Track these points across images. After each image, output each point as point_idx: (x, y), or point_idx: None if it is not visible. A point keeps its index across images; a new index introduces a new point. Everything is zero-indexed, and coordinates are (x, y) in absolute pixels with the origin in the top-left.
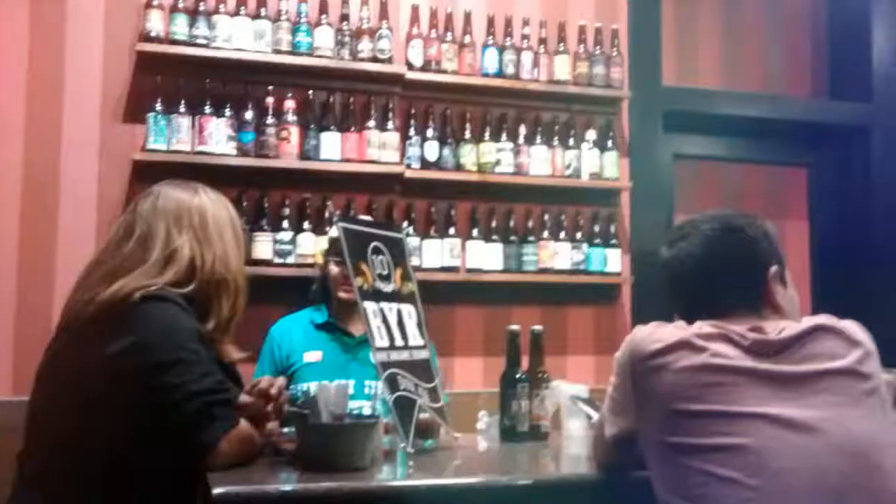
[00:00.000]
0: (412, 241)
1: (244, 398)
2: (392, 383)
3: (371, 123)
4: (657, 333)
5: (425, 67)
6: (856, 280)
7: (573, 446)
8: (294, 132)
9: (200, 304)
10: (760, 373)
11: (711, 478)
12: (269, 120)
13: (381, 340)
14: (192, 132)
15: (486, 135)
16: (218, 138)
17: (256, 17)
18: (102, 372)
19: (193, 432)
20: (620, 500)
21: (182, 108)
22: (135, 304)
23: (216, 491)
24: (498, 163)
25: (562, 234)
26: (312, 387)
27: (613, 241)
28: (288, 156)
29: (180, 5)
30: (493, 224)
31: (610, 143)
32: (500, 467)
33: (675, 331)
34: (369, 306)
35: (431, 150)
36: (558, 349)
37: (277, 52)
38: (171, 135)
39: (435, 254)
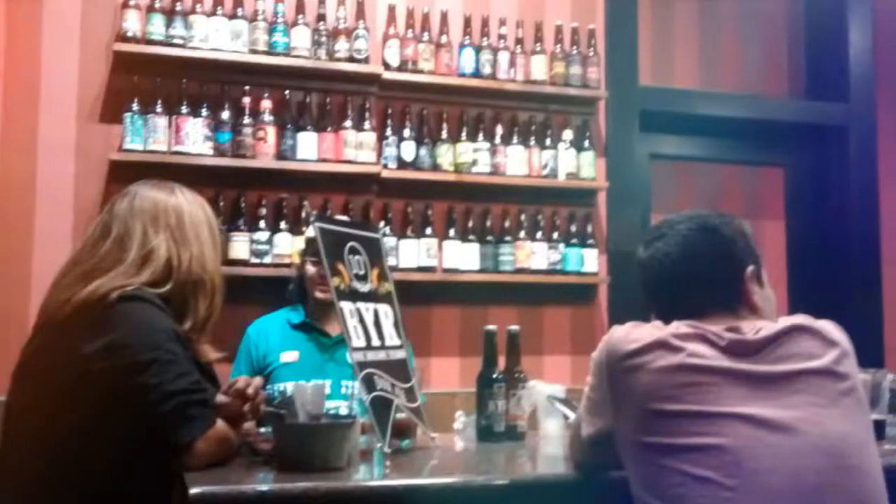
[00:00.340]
0: (389, 241)
1: (221, 398)
2: (369, 383)
3: (348, 123)
4: (634, 333)
5: (402, 67)
6: (832, 280)
7: (550, 446)
8: (271, 132)
9: (177, 304)
10: (737, 373)
11: (688, 478)
12: (246, 120)
13: (357, 340)
14: (169, 132)
15: (463, 135)
16: (194, 138)
17: (233, 17)
18: (79, 372)
19: (170, 432)
20: (597, 499)
21: (158, 108)
22: (111, 304)
23: (193, 491)
24: (474, 163)
25: (538, 234)
26: (289, 387)
27: (590, 241)
28: (264, 156)
29: (157, 5)
30: (470, 224)
31: (586, 143)
32: (476, 467)
33: (651, 331)
34: (346, 306)
35: (408, 150)
36: (535, 349)
37: (254, 52)
38: (148, 135)
39: (411, 254)
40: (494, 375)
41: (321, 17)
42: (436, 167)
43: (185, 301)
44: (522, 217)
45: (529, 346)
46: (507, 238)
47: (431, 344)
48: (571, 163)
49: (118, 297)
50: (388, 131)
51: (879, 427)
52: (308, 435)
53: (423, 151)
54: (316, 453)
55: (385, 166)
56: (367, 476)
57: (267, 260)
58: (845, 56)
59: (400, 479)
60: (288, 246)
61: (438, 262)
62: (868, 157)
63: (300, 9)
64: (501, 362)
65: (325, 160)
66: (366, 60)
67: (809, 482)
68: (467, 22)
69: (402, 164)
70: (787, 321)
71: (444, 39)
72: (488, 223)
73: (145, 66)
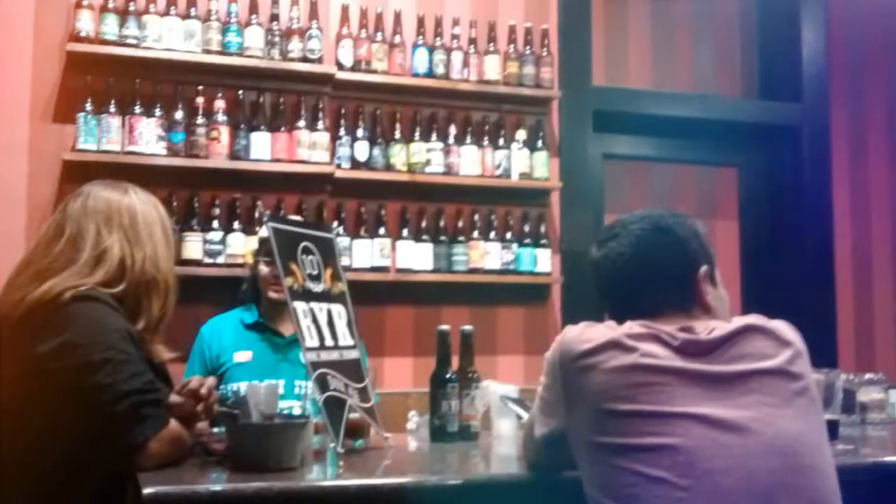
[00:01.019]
0: (342, 241)
1: (174, 398)
2: (322, 383)
3: (301, 123)
4: (587, 333)
5: (355, 67)
6: (786, 280)
7: (503, 446)
8: (224, 132)
9: (130, 304)
10: (690, 373)
11: (641, 478)
12: (199, 120)
13: (311, 340)
14: (122, 132)
15: (416, 135)
16: (148, 138)
17: (186, 17)
18: (33, 372)
19: (123, 432)
20: (550, 500)
21: (112, 108)
22: (65, 304)
23: (146, 491)
24: (428, 163)
25: (492, 234)
26: (242, 387)
27: (543, 241)
28: (218, 156)
29: (110, 5)
30: (423, 224)
31: (540, 143)
32: (430, 467)
33: (605, 331)
34: (299, 306)
35: (361, 150)
36: (488, 349)
37: (207, 52)
38: (101, 135)
39: (365, 254)
40: (448, 375)
41: (274, 17)
42: (389, 167)
43: (139, 301)
44: (476, 217)
45: (483, 346)
46: (461, 238)
47: (385, 344)
48: (525, 163)
49: (71, 297)
50: (342, 131)
51: (833, 427)
52: (261, 435)
53: (377, 151)
54: (269, 453)
55: (338, 166)
56: (320, 476)
57: (220, 260)
58: (798, 56)
59: (353, 479)
60: (241, 246)
61: (392, 263)
62: (821, 157)
63: (253, 9)
64: (455, 362)
65: (278, 160)
66: (319, 60)
67: (763, 482)
68: (420, 22)
69: (355, 164)
70: (740, 321)
71: (397, 39)
72: (442, 223)
73: (99, 66)
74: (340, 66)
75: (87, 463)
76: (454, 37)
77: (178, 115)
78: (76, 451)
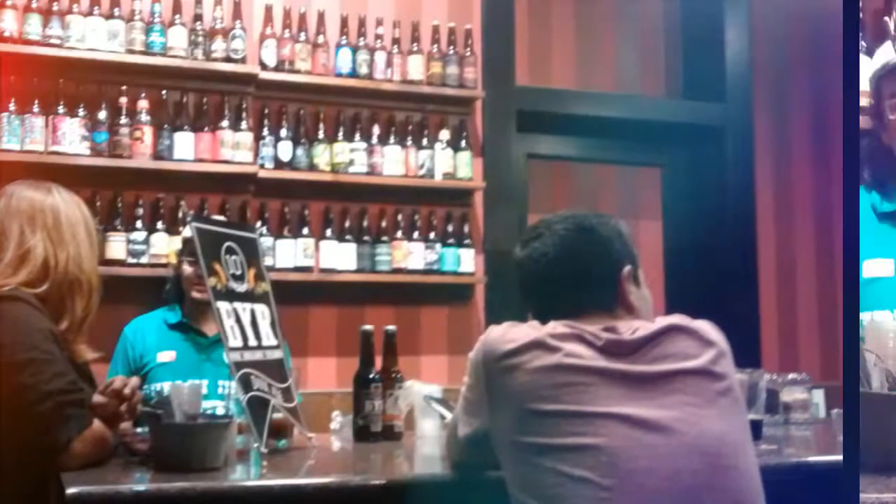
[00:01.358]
0: (266, 241)
1: (97, 398)
2: (245, 383)
3: (224, 123)
4: (511, 333)
5: (279, 67)
6: (709, 280)
7: (426, 446)
8: (147, 132)
9: (54, 304)
10: (614, 373)
11: (565, 478)
12: (123, 120)
13: (234, 340)
14: (46, 132)
15: (340, 135)
16: (71, 138)
17: (110, 17)
18: None
19: (46, 432)
20: (474, 500)
21: (35, 108)
22: None
23: (70, 491)
24: (351, 163)
25: (415, 234)
26: (166, 387)
27: (467, 241)
28: (141, 156)
29: (34, 5)
30: (347, 224)
31: (463, 143)
32: (353, 467)
33: (528, 331)
34: (223, 306)
35: (285, 150)
36: (412, 349)
37: (131, 52)
38: (25, 135)
39: (288, 254)
40: (371, 375)
41: (198, 17)
42: (312, 167)
43: (62, 301)
44: (399, 217)
45: (406, 346)
46: (384, 238)
47: (308, 344)
48: (448, 163)
49: None
50: (265, 131)
51: (756, 427)
52: (185, 435)
53: (300, 151)
54: (193, 453)
55: (262, 166)
56: (243, 476)
57: (144, 260)
58: (722, 56)
59: (276, 479)
60: (165, 246)
61: (315, 262)
62: (744, 158)
63: (177, 9)
64: (378, 362)
65: (201, 160)
66: (242, 60)
67: (686, 482)
68: (344, 22)
69: (278, 164)
70: (663, 321)
71: (320, 39)
72: (365, 223)
73: (22, 66)
74: (264, 66)
75: (10, 463)
76: (378, 37)
77: (102, 115)
78: (7, 451)
